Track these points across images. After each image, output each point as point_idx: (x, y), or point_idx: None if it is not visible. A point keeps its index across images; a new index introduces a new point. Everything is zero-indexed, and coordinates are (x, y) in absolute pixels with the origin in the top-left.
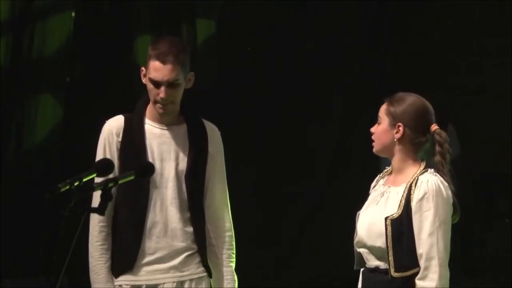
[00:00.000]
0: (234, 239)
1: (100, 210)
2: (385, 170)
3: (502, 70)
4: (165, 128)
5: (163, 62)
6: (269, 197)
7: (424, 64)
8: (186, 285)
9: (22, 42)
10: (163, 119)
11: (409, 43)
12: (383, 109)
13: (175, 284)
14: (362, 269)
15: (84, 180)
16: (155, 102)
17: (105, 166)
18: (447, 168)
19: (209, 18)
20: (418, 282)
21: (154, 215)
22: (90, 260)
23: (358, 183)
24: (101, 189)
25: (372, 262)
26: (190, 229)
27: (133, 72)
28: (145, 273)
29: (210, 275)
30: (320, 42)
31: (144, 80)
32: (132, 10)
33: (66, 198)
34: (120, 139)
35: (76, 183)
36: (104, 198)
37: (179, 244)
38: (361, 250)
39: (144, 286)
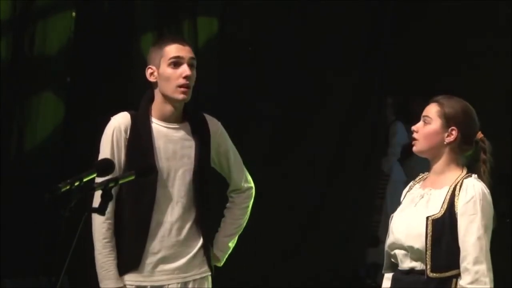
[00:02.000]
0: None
1: (100, 210)
2: (420, 177)
3: (502, 70)
4: (170, 126)
5: (182, 44)
6: (269, 197)
7: (424, 64)
8: (190, 285)
9: (22, 42)
10: (170, 118)
11: (409, 43)
12: (433, 110)
13: (179, 285)
14: (392, 274)
15: (85, 180)
16: (179, 86)
17: (106, 166)
18: (487, 177)
19: (210, 16)
20: (469, 287)
21: (159, 215)
22: (98, 257)
23: (358, 183)
24: (102, 189)
25: (407, 264)
26: (196, 228)
27: (136, 71)
28: (150, 274)
29: (212, 273)
30: (320, 42)
31: (152, 78)
32: (132, 10)
33: (66, 198)
34: (127, 136)
35: (76, 183)
36: (105, 198)
37: (185, 243)
38: (396, 252)
39: (149, 287)
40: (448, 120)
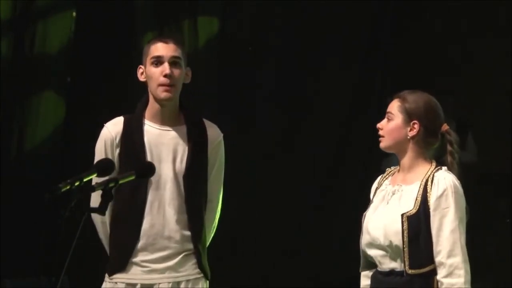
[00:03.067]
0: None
1: (100, 210)
2: (388, 171)
3: (502, 70)
4: (164, 128)
5: (165, 42)
6: (269, 197)
7: (424, 64)
8: (183, 285)
9: (23, 42)
10: (163, 119)
11: (409, 43)
12: (395, 105)
13: (170, 284)
14: (371, 273)
15: (85, 180)
16: (160, 85)
17: (106, 166)
18: (456, 168)
19: (211, 16)
20: (444, 280)
21: (151, 216)
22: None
23: (359, 183)
24: (102, 189)
25: (387, 265)
26: (187, 231)
27: (136, 71)
28: (141, 272)
29: (206, 276)
30: (320, 42)
31: (142, 78)
32: (132, 10)
33: (66, 198)
34: (118, 143)
35: (76, 183)
36: (105, 198)
37: (176, 245)
38: (373, 252)
39: (138, 285)
40: (409, 115)
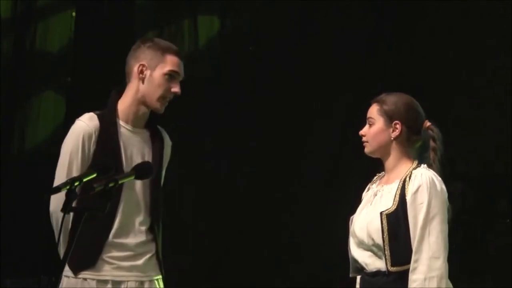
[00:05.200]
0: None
1: (100, 210)
2: (376, 176)
3: (502, 70)
4: (133, 130)
5: (181, 59)
6: (269, 197)
7: (424, 64)
8: (146, 285)
9: (23, 42)
10: (134, 121)
11: (410, 43)
12: (374, 110)
13: (137, 283)
14: (359, 276)
15: (84, 180)
16: (163, 97)
17: (105, 166)
18: (437, 164)
19: (211, 15)
20: (409, 275)
21: (122, 216)
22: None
23: (359, 183)
24: (102, 189)
25: (372, 265)
26: (150, 233)
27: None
28: (110, 269)
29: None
30: (320, 42)
31: (141, 76)
32: (132, 10)
33: (66, 198)
34: (96, 140)
35: (76, 183)
36: (105, 198)
37: (142, 246)
38: (360, 254)
39: (110, 283)
40: (389, 116)
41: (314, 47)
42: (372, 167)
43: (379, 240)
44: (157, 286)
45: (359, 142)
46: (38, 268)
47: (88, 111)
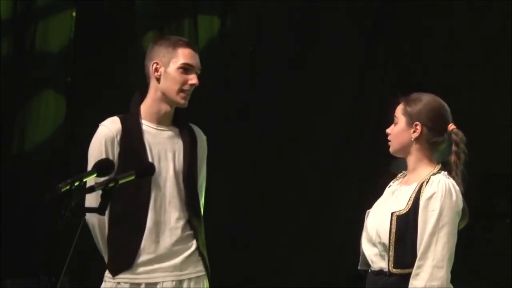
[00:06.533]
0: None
1: (100, 210)
2: (401, 174)
3: (502, 70)
4: (160, 128)
5: (194, 50)
6: (269, 197)
7: (425, 64)
8: (185, 284)
9: (23, 42)
10: (159, 119)
11: (410, 43)
12: (399, 109)
13: (174, 283)
14: (368, 271)
15: (85, 180)
16: (181, 90)
17: (106, 166)
18: (461, 169)
19: (211, 15)
20: (410, 281)
21: (154, 214)
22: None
23: (361, 183)
24: (102, 189)
25: (377, 264)
26: (189, 229)
27: (136, 71)
28: (145, 272)
29: (208, 275)
30: (320, 42)
31: (156, 74)
32: (132, 10)
33: (66, 198)
34: (119, 143)
35: (76, 183)
36: (105, 198)
37: (179, 243)
38: (368, 250)
39: (143, 285)
40: (411, 117)
41: (314, 47)
42: (372, 167)
43: (385, 240)
44: (200, 285)
45: (359, 142)
46: (38, 268)
47: (88, 111)
